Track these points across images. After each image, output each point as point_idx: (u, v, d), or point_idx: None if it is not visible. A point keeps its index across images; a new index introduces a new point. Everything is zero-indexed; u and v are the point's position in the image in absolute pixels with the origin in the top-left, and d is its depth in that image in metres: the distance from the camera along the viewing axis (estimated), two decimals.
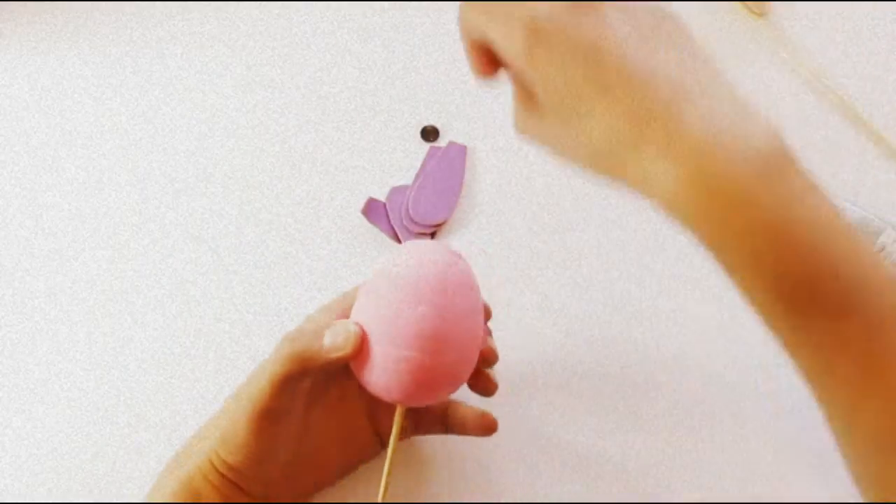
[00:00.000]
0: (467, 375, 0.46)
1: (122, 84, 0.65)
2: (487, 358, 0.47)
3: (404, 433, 0.50)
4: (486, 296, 0.58)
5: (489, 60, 0.41)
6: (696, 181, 0.34)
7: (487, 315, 0.49)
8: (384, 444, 0.50)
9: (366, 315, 0.44)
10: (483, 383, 0.48)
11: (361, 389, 0.46)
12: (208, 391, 0.56)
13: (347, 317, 0.46)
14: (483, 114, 0.64)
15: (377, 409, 0.50)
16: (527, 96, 0.39)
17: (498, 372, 0.57)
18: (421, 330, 0.42)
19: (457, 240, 0.60)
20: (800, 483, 0.54)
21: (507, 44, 0.38)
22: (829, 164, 0.62)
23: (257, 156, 0.62)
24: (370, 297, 0.44)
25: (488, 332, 0.50)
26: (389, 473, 0.46)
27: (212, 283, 0.59)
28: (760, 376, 0.56)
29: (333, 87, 0.65)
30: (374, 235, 0.60)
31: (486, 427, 0.49)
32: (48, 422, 0.55)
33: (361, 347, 0.43)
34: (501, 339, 0.58)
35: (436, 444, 0.55)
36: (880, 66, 0.65)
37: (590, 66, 0.37)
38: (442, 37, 0.66)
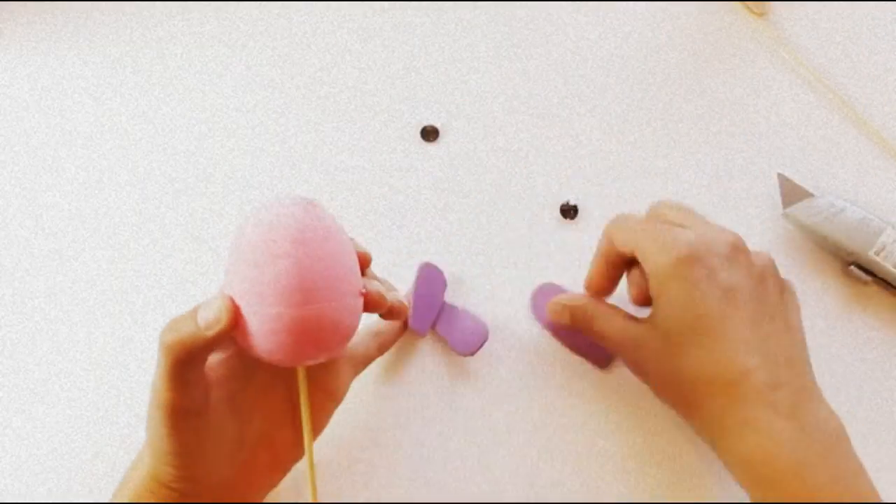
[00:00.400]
0: (352, 321, 0.44)
1: (122, 84, 0.65)
2: (374, 302, 0.46)
3: (338, 393, 0.50)
4: (486, 298, 0.58)
5: (614, 274, 0.52)
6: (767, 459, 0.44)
7: (366, 261, 0.47)
8: (336, 403, 0.50)
9: (232, 283, 0.43)
10: (392, 314, 0.48)
11: (281, 374, 0.46)
12: None
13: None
14: (483, 114, 0.64)
15: (318, 375, 0.49)
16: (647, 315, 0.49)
17: (499, 372, 0.57)
18: (284, 284, 0.41)
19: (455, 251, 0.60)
20: None
21: (660, 257, 0.47)
22: (829, 165, 0.62)
23: (257, 156, 0.62)
24: (233, 265, 0.43)
25: (372, 277, 0.49)
26: (310, 434, 0.46)
27: (212, 283, 0.59)
28: None
29: (333, 87, 0.65)
30: (374, 234, 0.60)
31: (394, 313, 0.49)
32: (48, 422, 0.55)
33: (237, 317, 0.42)
34: (502, 340, 0.58)
35: (435, 443, 0.55)
36: (880, 66, 0.65)
37: (718, 306, 0.45)
38: (442, 37, 0.66)
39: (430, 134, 0.63)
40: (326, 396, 0.50)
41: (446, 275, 0.58)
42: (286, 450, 0.49)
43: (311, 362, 0.45)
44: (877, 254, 0.57)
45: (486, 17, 0.67)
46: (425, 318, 0.56)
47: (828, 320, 0.58)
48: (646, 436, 0.55)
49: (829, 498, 0.42)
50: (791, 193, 0.59)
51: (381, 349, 0.54)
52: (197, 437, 0.44)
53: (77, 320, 0.58)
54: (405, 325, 0.56)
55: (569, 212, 0.61)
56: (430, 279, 0.57)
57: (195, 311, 0.43)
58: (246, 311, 0.42)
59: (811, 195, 0.59)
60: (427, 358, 0.57)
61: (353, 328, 0.45)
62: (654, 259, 0.47)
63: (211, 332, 0.42)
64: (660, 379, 0.49)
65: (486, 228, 0.60)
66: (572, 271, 0.59)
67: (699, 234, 0.47)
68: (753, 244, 0.59)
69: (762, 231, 0.60)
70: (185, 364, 0.42)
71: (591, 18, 0.67)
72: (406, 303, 0.50)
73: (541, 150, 0.63)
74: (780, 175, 0.60)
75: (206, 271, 0.59)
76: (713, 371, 0.45)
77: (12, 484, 0.54)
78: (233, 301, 0.43)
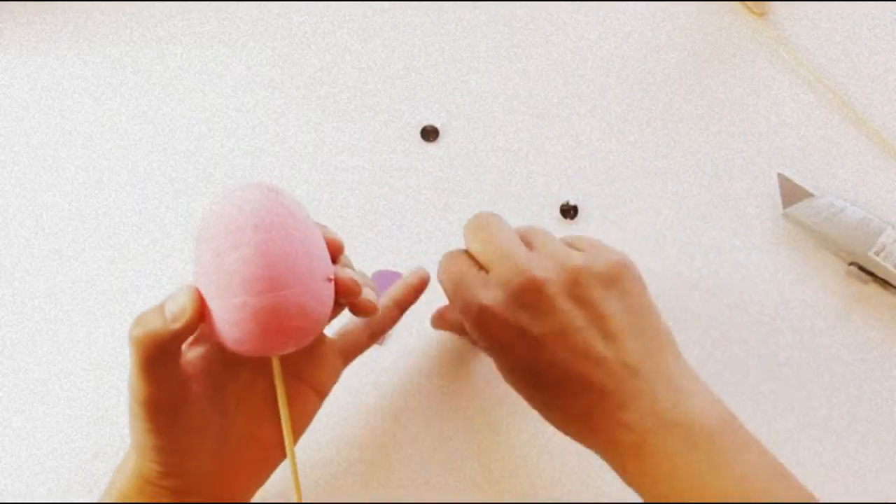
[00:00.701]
0: (322, 308, 0.43)
1: (122, 84, 0.65)
2: (346, 289, 0.45)
3: (324, 386, 0.49)
4: None
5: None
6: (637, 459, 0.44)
7: (337, 249, 0.46)
8: (322, 397, 0.49)
9: (196, 273, 0.42)
10: (359, 308, 0.46)
11: (263, 368, 0.46)
12: None
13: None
14: (483, 114, 0.64)
15: (303, 368, 0.48)
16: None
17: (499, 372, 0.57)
18: (246, 273, 0.40)
19: None
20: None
21: (463, 319, 0.47)
22: (829, 164, 0.62)
23: (257, 156, 0.62)
24: (197, 256, 0.42)
25: (346, 265, 0.47)
26: (289, 427, 0.46)
27: None
28: (758, 377, 0.56)
29: (333, 87, 0.65)
30: (374, 234, 0.60)
31: (421, 284, 0.51)
32: (48, 422, 0.55)
33: (203, 308, 0.42)
34: None
35: (435, 442, 0.55)
36: (880, 66, 0.65)
37: (515, 356, 0.46)
38: (442, 37, 0.66)
39: (430, 134, 0.63)
40: (311, 388, 0.49)
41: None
42: (272, 446, 0.48)
43: (281, 351, 0.44)
44: (877, 254, 0.57)
45: (486, 17, 0.67)
46: None
47: (828, 320, 0.58)
48: None
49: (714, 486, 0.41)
50: (791, 193, 0.59)
51: (373, 338, 0.52)
52: (178, 432, 0.43)
53: (77, 320, 0.58)
54: (400, 312, 0.53)
55: (569, 212, 0.61)
56: (382, 288, 0.58)
57: (163, 304, 0.42)
58: (211, 301, 0.42)
59: (811, 195, 0.59)
60: (427, 358, 0.57)
61: (325, 315, 0.44)
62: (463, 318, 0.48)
63: (178, 325, 0.41)
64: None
65: None
66: None
67: (490, 294, 0.46)
68: (753, 244, 0.60)
69: (762, 231, 0.60)
70: (156, 358, 0.41)
71: (591, 18, 0.67)
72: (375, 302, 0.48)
73: (541, 150, 0.63)
74: (780, 175, 0.60)
75: None
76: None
77: (12, 484, 0.54)
78: (198, 292, 0.42)
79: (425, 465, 0.55)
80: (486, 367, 0.57)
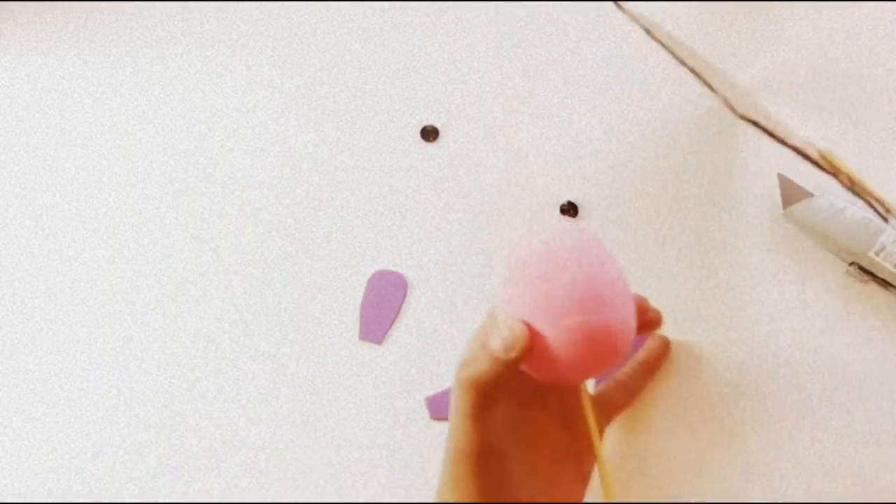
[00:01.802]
0: (633, 326, 0.44)
1: (122, 84, 0.65)
2: (653, 319, 0.46)
3: (599, 426, 0.48)
4: (487, 297, 0.58)
5: None
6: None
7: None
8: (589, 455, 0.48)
9: (517, 303, 0.42)
10: (650, 322, 0.48)
11: (552, 409, 0.45)
12: (208, 391, 0.56)
13: None
14: (483, 114, 0.64)
15: (572, 421, 0.48)
16: None
17: None
18: (579, 293, 0.41)
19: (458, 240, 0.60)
20: (798, 483, 0.54)
21: None
22: (818, 173, 0.62)
23: (257, 156, 0.62)
24: (514, 285, 0.43)
25: (643, 298, 0.49)
26: (604, 465, 0.45)
27: (212, 283, 0.59)
28: (756, 377, 0.56)
29: (333, 87, 0.65)
30: (374, 234, 0.60)
31: (664, 347, 0.51)
32: (48, 422, 0.55)
33: (533, 334, 0.41)
34: None
35: (435, 442, 0.55)
36: (880, 66, 0.65)
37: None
38: (442, 37, 0.66)
39: (430, 134, 0.63)
40: (602, 415, 0.49)
41: (440, 276, 0.58)
42: (573, 484, 0.47)
43: (596, 375, 0.44)
44: (877, 254, 0.57)
45: (486, 17, 0.67)
46: (378, 327, 0.57)
47: (828, 320, 0.58)
48: (646, 436, 0.55)
49: None
50: (791, 193, 0.59)
51: (631, 396, 0.52)
52: (499, 476, 0.43)
53: (77, 320, 0.58)
54: (650, 374, 0.54)
55: (569, 212, 0.61)
56: (382, 288, 0.58)
57: (479, 343, 0.42)
58: (537, 328, 0.42)
59: (811, 195, 0.59)
60: (427, 358, 0.57)
61: (633, 340, 0.44)
62: None
63: (514, 353, 0.41)
64: None
65: (486, 228, 0.60)
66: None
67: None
68: (753, 244, 0.60)
69: (762, 231, 0.60)
70: (486, 399, 0.41)
71: (591, 18, 0.67)
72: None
73: (541, 150, 0.63)
74: (780, 175, 0.60)
75: (206, 271, 0.59)
76: None
77: (12, 484, 0.54)
78: (525, 321, 0.42)
79: (425, 464, 0.55)
80: None
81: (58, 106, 0.64)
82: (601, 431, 0.50)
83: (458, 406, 0.41)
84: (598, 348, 0.42)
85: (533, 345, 0.42)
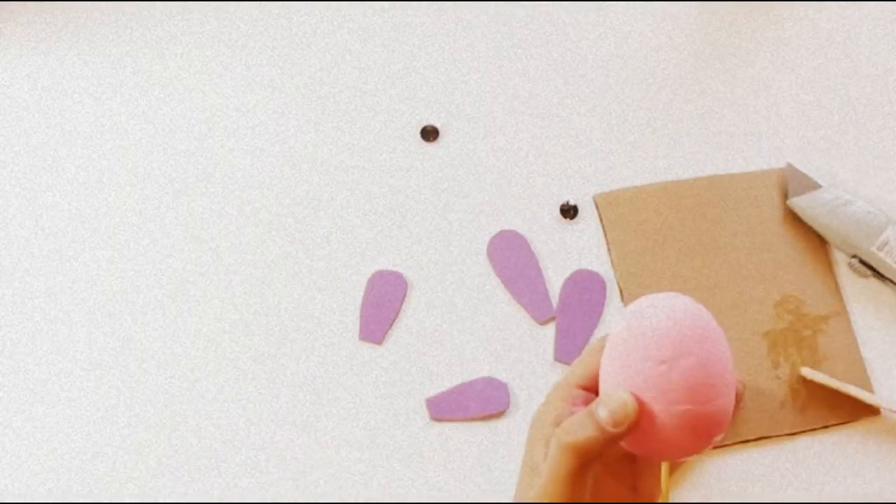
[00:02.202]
0: (731, 414, 0.45)
1: (122, 84, 0.65)
2: (740, 395, 0.46)
3: (656, 494, 0.48)
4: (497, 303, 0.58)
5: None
6: None
7: None
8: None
9: (630, 375, 0.43)
10: (739, 399, 0.47)
11: (623, 472, 0.46)
12: (208, 391, 0.56)
13: (588, 387, 0.45)
14: (483, 114, 0.64)
15: (637, 480, 0.48)
16: None
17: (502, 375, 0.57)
18: (694, 381, 0.41)
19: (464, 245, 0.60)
20: (798, 483, 0.54)
21: None
22: (829, 165, 0.62)
23: (257, 156, 0.62)
24: (627, 359, 0.43)
25: (742, 382, 0.49)
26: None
27: (212, 283, 0.59)
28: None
29: (333, 87, 0.65)
30: (374, 234, 0.60)
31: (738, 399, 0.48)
32: (48, 422, 0.55)
33: (641, 413, 0.42)
34: (505, 343, 0.58)
35: (435, 442, 0.55)
36: (880, 65, 0.65)
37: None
38: (442, 37, 0.66)
39: (430, 134, 0.63)
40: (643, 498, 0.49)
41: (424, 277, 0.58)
42: None
43: (693, 456, 0.45)
44: (879, 249, 0.57)
45: (486, 17, 0.67)
46: (378, 327, 0.57)
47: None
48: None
49: None
50: (798, 184, 0.59)
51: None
52: None
53: (77, 320, 0.58)
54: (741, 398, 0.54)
55: (569, 212, 0.61)
56: (382, 288, 0.58)
57: (588, 411, 0.42)
58: (647, 403, 0.42)
59: (818, 186, 0.59)
60: (427, 358, 0.57)
61: (730, 423, 0.45)
62: None
63: (620, 429, 0.41)
64: None
65: (486, 229, 0.60)
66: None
67: None
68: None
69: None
70: (584, 467, 0.41)
71: (591, 18, 0.67)
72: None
73: (541, 150, 0.63)
74: (788, 165, 0.60)
75: (206, 271, 0.59)
76: None
77: (12, 484, 0.54)
78: (635, 397, 0.42)
79: (425, 464, 0.55)
80: (485, 367, 0.57)
81: (58, 106, 0.64)
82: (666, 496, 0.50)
83: (554, 468, 0.42)
84: (702, 435, 0.42)
85: (638, 420, 0.42)
